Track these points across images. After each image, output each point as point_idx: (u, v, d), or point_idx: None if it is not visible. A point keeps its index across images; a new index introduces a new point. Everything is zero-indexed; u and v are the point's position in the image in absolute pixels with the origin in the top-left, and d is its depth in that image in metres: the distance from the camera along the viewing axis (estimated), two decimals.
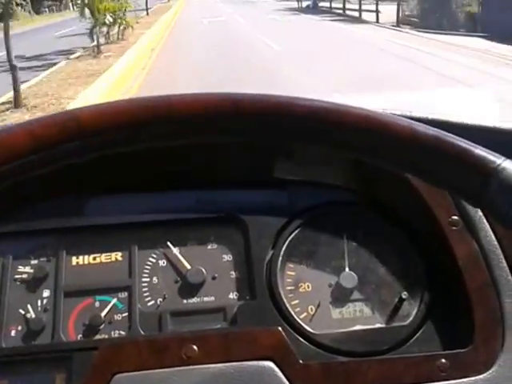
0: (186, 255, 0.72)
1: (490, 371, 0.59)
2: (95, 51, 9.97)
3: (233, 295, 0.71)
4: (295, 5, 27.40)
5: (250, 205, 0.75)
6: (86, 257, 0.72)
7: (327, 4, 24.51)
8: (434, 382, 0.59)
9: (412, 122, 0.40)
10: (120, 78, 7.95)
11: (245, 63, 9.10)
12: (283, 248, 0.72)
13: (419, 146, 0.39)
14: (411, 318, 0.68)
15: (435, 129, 0.40)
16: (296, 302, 0.70)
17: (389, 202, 0.75)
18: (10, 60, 6.22)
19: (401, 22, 16.41)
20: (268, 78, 7.54)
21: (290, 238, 0.73)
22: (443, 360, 0.60)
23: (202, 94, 0.41)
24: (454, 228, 0.67)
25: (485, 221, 0.66)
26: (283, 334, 0.62)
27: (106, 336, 0.67)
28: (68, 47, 11.80)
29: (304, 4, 26.13)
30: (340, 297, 0.70)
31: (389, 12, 16.50)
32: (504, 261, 0.64)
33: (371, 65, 8.47)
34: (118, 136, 0.40)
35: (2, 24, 6.73)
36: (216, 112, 0.40)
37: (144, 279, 0.71)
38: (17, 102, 6.17)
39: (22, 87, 6.52)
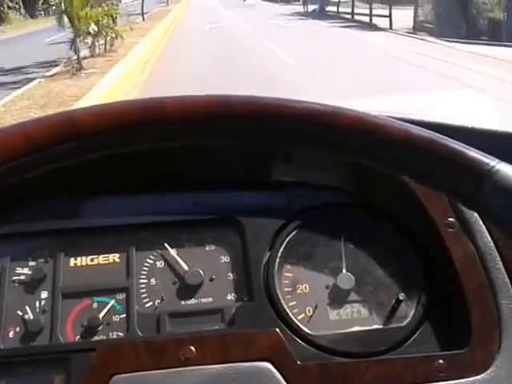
0: (184, 257, 0.72)
1: (488, 372, 0.59)
2: (76, 67, 8.52)
3: (230, 296, 0.71)
4: (299, 8, 26.43)
5: (247, 206, 0.75)
6: (84, 258, 0.72)
7: (334, 8, 23.44)
8: (431, 382, 0.60)
9: (406, 124, 0.40)
10: None
11: (254, 81, 7.64)
12: (280, 249, 0.72)
13: (413, 149, 0.39)
14: (408, 319, 0.68)
15: (429, 131, 0.40)
16: (293, 303, 0.70)
17: (386, 203, 0.76)
18: None
19: (415, 28, 15.57)
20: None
21: (287, 240, 0.73)
22: (441, 361, 0.61)
23: (196, 96, 0.41)
24: (451, 230, 0.68)
25: (481, 223, 0.67)
26: (281, 335, 0.62)
27: (104, 337, 0.67)
28: (54, 57, 10.27)
29: (310, 8, 25.22)
30: (337, 298, 0.71)
31: (400, 17, 15.56)
32: (500, 262, 0.65)
33: (400, 79, 7.34)
34: (112, 138, 0.40)
35: None
36: (210, 114, 0.40)
37: (142, 280, 0.71)
38: None
39: None
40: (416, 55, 10.36)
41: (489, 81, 7.19)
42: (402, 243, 0.73)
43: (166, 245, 0.73)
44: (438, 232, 0.68)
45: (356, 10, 19.75)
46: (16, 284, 0.70)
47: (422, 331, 0.68)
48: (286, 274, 0.72)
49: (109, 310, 0.69)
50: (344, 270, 0.71)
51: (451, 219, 0.68)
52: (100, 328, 0.68)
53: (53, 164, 0.40)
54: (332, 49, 11.51)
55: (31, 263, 0.71)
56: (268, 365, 0.60)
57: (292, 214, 0.75)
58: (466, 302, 0.64)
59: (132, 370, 0.59)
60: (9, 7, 8.31)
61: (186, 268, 0.71)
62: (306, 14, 23.43)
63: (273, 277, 0.70)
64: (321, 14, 22.62)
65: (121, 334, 0.68)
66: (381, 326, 0.69)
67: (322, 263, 0.73)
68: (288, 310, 0.69)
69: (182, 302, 0.70)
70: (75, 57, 9.05)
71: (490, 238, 0.66)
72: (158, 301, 0.70)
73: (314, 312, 0.70)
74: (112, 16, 10.94)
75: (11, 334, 0.67)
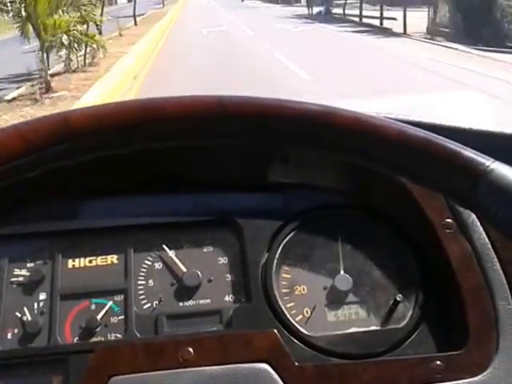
0: (182, 258, 0.72)
1: (485, 373, 0.59)
2: (42, 88, 6.71)
3: (228, 298, 0.71)
4: (302, 10, 24.97)
5: (245, 208, 0.75)
6: (82, 260, 0.72)
7: (338, 10, 22.23)
8: None
9: (402, 124, 0.40)
10: None
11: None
12: (278, 251, 0.72)
13: (409, 148, 0.39)
14: (406, 321, 0.69)
15: (425, 131, 0.40)
16: (291, 304, 0.70)
17: (383, 204, 0.75)
18: None
19: (430, 32, 14.32)
20: None
21: (285, 241, 0.73)
22: (438, 362, 0.61)
23: (194, 97, 0.41)
24: (448, 231, 0.67)
25: (478, 224, 0.67)
26: (278, 336, 0.63)
27: (102, 339, 0.67)
28: (32, 68, 8.57)
29: (315, 10, 23.75)
30: (335, 299, 0.71)
31: (410, 20, 14.24)
32: (497, 263, 0.65)
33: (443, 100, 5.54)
34: (109, 138, 0.40)
35: None
36: (208, 114, 0.40)
37: (140, 282, 0.71)
38: None
39: None
40: (440, 64, 8.97)
41: None
42: (400, 244, 0.73)
43: (164, 246, 0.73)
44: (436, 233, 0.68)
45: (363, 12, 18.79)
46: (14, 285, 0.70)
47: (420, 332, 0.68)
48: (284, 276, 0.72)
49: (107, 311, 0.68)
50: (342, 272, 0.71)
51: (448, 220, 0.68)
52: (98, 329, 0.67)
53: (49, 165, 0.39)
54: (350, 60, 9.87)
55: (29, 265, 0.71)
56: (266, 366, 0.60)
57: (290, 215, 0.75)
58: (463, 303, 0.64)
59: (130, 371, 0.59)
60: None
61: (184, 269, 0.71)
62: (312, 17, 22.01)
63: (271, 278, 0.70)
64: (327, 17, 21.39)
65: (119, 335, 0.68)
66: (378, 328, 0.69)
67: (320, 264, 0.73)
68: (286, 312, 0.69)
69: (180, 304, 0.70)
70: (50, 71, 7.32)
71: (487, 239, 0.66)
72: (156, 302, 0.70)
73: (311, 313, 0.70)
74: (96, 23, 9.21)
75: (9, 336, 0.67)
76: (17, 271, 0.70)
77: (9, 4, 6.99)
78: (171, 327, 0.68)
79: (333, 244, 0.73)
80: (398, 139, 0.39)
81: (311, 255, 0.73)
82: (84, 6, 7.78)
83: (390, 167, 0.41)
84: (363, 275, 0.72)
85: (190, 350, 0.60)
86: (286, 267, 0.72)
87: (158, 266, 0.72)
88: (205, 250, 0.73)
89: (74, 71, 7.95)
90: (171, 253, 0.72)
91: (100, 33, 11.29)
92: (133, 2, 17.39)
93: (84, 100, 6.24)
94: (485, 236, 0.66)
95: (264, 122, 0.40)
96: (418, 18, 14.44)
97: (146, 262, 0.72)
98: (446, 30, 13.70)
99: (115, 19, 14.59)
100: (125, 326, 0.68)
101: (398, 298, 0.68)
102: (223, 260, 0.73)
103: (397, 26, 15.05)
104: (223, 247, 0.73)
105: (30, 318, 0.67)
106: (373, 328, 0.69)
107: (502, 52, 10.17)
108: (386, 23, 15.91)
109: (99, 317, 0.68)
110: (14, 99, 6.87)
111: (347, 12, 20.40)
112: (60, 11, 7.15)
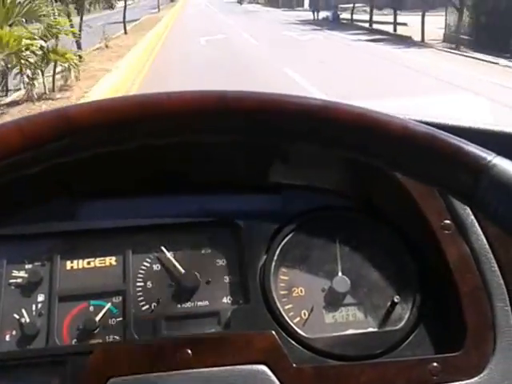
0: (180, 259, 0.72)
1: (482, 375, 0.59)
2: None
3: (227, 299, 0.71)
4: (306, 15, 23.50)
5: (243, 209, 0.75)
6: (81, 261, 0.72)
7: (345, 15, 20.83)
8: None
9: (403, 119, 0.40)
10: None
11: None
12: (276, 252, 0.72)
13: (411, 143, 0.39)
14: (403, 322, 0.68)
15: (427, 126, 0.39)
16: (289, 306, 0.70)
17: (381, 206, 0.75)
18: None
19: (447, 40, 13.19)
20: None
21: (283, 243, 0.73)
22: (435, 364, 0.60)
23: (194, 92, 0.40)
24: (446, 232, 0.67)
25: (477, 225, 0.67)
26: (276, 337, 0.62)
27: (101, 340, 0.67)
28: None
29: (321, 15, 22.31)
30: (333, 301, 0.70)
31: (418, 25, 13.21)
32: (495, 264, 0.64)
33: None
34: (108, 134, 0.39)
35: None
36: (207, 109, 0.40)
37: (138, 284, 0.71)
38: None
39: None
40: (485, 83, 7.54)
41: None
42: (398, 245, 0.72)
43: (163, 248, 0.72)
44: (434, 234, 0.67)
45: (366, 17, 17.79)
46: (12, 287, 0.70)
47: (417, 334, 0.67)
48: (282, 277, 0.72)
49: (105, 313, 0.68)
50: (340, 273, 0.71)
51: (447, 221, 0.67)
52: (96, 331, 0.67)
53: (49, 161, 0.39)
54: (376, 77, 8.19)
55: (28, 266, 0.71)
56: (264, 368, 0.60)
57: (288, 216, 0.74)
58: (460, 304, 0.64)
59: (128, 373, 0.59)
60: None
61: (182, 271, 0.71)
62: (318, 23, 20.49)
63: (269, 280, 0.70)
64: (334, 23, 19.89)
65: (117, 337, 0.67)
66: (376, 329, 0.69)
67: (318, 266, 0.72)
68: (284, 313, 0.69)
69: (179, 305, 0.70)
70: (8, 98, 5.67)
71: (485, 240, 0.66)
72: (155, 304, 0.69)
73: (309, 315, 0.69)
74: (75, 35, 7.53)
75: (7, 338, 0.66)
76: (15, 273, 0.70)
77: None
78: (169, 329, 0.68)
79: (331, 245, 0.73)
80: (402, 134, 0.38)
81: (309, 257, 0.73)
82: (44, 16, 6.01)
83: (390, 162, 0.40)
84: (361, 277, 0.71)
85: (189, 351, 0.60)
86: (284, 269, 0.72)
87: (157, 267, 0.72)
88: (203, 251, 0.73)
89: (38, 99, 6.21)
90: (169, 254, 0.72)
91: (79, 47, 9.59)
92: (131, 6, 15.70)
93: None
94: (483, 237, 0.66)
95: (266, 117, 0.40)
96: (430, 24, 13.25)
97: (145, 263, 0.72)
98: (465, 37, 12.39)
99: (106, 26, 12.92)
100: (123, 327, 0.67)
101: (396, 300, 0.68)
102: (221, 261, 0.73)
103: (410, 32, 13.92)
104: (221, 249, 0.73)
105: (28, 320, 0.67)
106: (370, 330, 0.69)
107: None
108: (399, 29, 14.96)
109: (97, 318, 0.67)
110: None
111: (354, 17, 19.19)
112: (9, 23, 5.43)
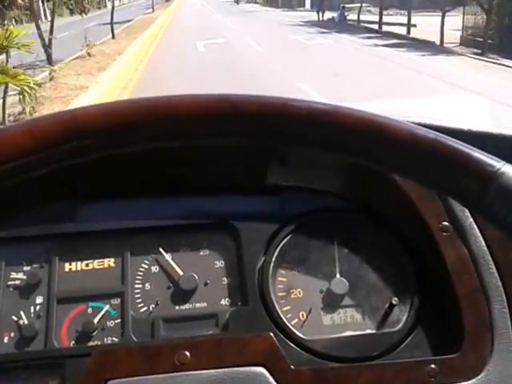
0: (179, 261, 0.72)
1: (479, 377, 0.59)
2: None
3: (225, 301, 0.71)
4: (308, 16, 22.16)
5: (242, 211, 0.75)
6: (79, 263, 0.72)
7: (350, 16, 20.00)
8: None
9: (411, 124, 0.40)
10: None
11: None
12: (275, 254, 0.72)
13: (417, 149, 0.38)
14: (401, 324, 0.68)
15: (434, 131, 0.39)
16: (287, 308, 0.70)
17: (380, 208, 0.75)
18: None
19: (464, 43, 12.30)
20: None
21: (281, 245, 0.73)
22: (432, 366, 0.60)
23: (201, 95, 0.40)
24: (445, 234, 0.67)
25: (475, 227, 0.67)
26: (275, 339, 0.62)
27: (99, 342, 0.67)
28: None
29: (326, 16, 20.88)
30: (331, 303, 0.70)
31: (426, 27, 12.91)
32: (493, 266, 0.64)
33: None
34: (115, 137, 0.39)
35: None
36: (212, 112, 0.39)
37: (136, 285, 0.71)
38: None
39: None
40: None
41: None
42: (396, 247, 0.72)
43: (161, 249, 0.72)
44: (432, 236, 0.67)
45: (372, 18, 17.35)
46: (11, 289, 0.69)
47: (415, 336, 0.67)
48: (280, 279, 0.72)
49: (103, 315, 0.68)
50: (338, 275, 0.71)
51: (445, 223, 0.67)
52: (95, 333, 0.67)
53: (58, 163, 0.39)
54: (408, 92, 6.77)
55: (26, 268, 0.71)
56: (262, 369, 0.60)
57: (286, 218, 0.74)
58: (458, 306, 0.63)
59: (127, 375, 0.59)
60: None
61: (180, 273, 0.71)
62: (324, 25, 19.19)
63: (267, 281, 0.70)
64: (341, 24, 18.55)
65: (115, 339, 0.67)
66: (374, 331, 0.69)
67: (316, 268, 0.72)
68: (282, 315, 0.68)
69: (177, 307, 0.70)
70: None
71: (483, 243, 0.66)
72: (153, 306, 0.69)
73: (307, 317, 0.69)
74: (44, 47, 5.99)
75: (6, 340, 0.66)
76: (13, 274, 0.70)
77: None
78: (168, 331, 0.68)
79: (329, 247, 0.73)
80: (406, 138, 0.38)
81: (307, 258, 0.73)
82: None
83: (399, 168, 0.40)
84: (359, 279, 0.71)
85: (187, 353, 0.60)
86: (282, 270, 0.72)
87: (155, 269, 0.72)
88: (201, 253, 0.73)
89: None
90: (168, 256, 0.72)
91: (49, 62, 8.03)
92: (127, 4, 14.10)
93: None
94: (481, 239, 0.66)
95: (270, 120, 0.39)
96: (438, 25, 12.40)
97: (143, 265, 0.72)
98: (488, 41, 11.26)
99: (98, 27, 11.38)
100: (121, 329, 0.67)
101: (394, 302, 0.68)
102: (220, 263, 0.73)
103: (421, 34, 13.16)
104: (220, 250, 0.73)
105: (26, 322, 0.67)
106: (368, 331, 0.69)
107: None
108: (403, 30, 14.31)
109: (96, 320, 0.67)
110: None
111: (360, 18, 18.44)
112: None
